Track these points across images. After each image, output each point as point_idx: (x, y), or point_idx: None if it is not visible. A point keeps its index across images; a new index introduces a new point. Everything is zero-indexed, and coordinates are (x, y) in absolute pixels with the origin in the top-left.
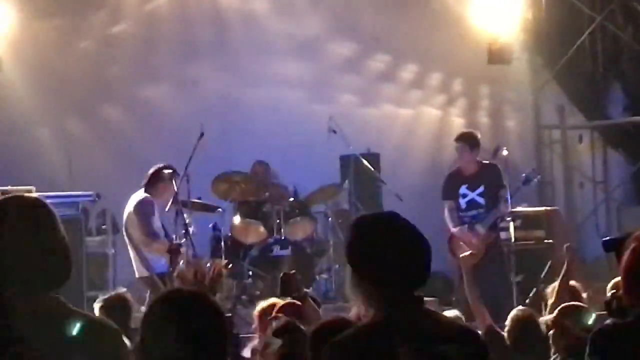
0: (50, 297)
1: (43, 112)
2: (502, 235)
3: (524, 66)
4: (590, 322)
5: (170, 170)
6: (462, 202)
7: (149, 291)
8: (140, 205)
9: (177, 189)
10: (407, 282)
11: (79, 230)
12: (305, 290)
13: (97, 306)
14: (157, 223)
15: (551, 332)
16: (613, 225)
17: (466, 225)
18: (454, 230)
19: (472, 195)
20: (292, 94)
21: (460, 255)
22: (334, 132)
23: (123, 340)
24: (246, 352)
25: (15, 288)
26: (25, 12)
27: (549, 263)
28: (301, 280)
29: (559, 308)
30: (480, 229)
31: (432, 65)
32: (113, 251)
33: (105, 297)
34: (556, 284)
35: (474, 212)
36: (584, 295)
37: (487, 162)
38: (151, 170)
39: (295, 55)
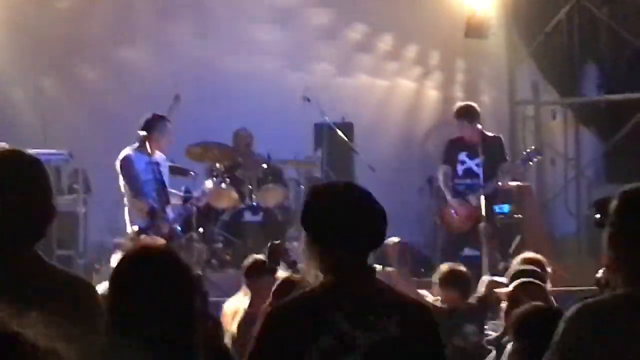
0: (28, 251)
1: (18, 71)
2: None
3: (501, 41)
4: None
5: (160, 119)
6: (460, 168)
7: None
8: (119, 165)
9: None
10: (358, 247)
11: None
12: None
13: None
14: (141, 179)
15: (505, 305)
16: (583, 202)
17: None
18: (450, 200)
19: (470, 163)
20: (269, 62)
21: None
22: (309, 100)
23: (99, 295)
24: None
25: None
26: None
27: (517, 238)
28: (288, 250)
29: (517, 282)
30: (473, 199)
31: (409, 37)
32: (84, 210)
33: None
34: (522, 255)
35: (468, 181)
36: (549, 269)
37: (491, 133)
38: (140, 123)
39: (273, 23)
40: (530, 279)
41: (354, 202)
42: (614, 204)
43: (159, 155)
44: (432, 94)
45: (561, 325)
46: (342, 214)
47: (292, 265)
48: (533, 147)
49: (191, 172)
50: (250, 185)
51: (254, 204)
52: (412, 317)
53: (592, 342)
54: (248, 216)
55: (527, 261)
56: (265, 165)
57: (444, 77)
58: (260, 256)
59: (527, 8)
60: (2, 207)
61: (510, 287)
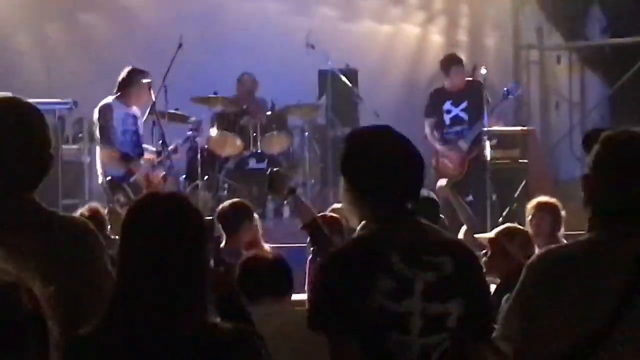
0: (25, 198)
1: (21, 19)
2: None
3: None
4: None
5: (142, 74)
6: (447, 117)
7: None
8: (98, 111)
9: (155, 98)
10: (400, 194)
11: (56, 138)
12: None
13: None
14: (119, 128)
15: (487, 252)
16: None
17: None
18: (439, 147)
19: (456, 110)
20: (272, 6)
21: (437, 187)
22: (312, 47)
23: (96, 235)
24: None
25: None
26: None
27: (522, 183)
28: (288, 177)
29: (501, 228)
30: (464, 144)
31: None
32: (89, 160)
33: (80, 212)
34: (538, 199)
35: (457, 128)
36: (563, 213)
37: (470, 78)
38: (123, 74)
39: None
40: (515, 225)
41: (393, 150)
42: (594, 147)
43: (136, 109)
44: (436, 39)
45: (523, 272)
46: (380, 160)
47: (291, 192)
48: (514, 81)
49: (191, 118)
50: (255, 132)
51: (259, 151)
52: (462, 256)
53: (552, 289)
54: (252, 163)
55: (541, 204)
56: (269, 113)
57: (448, 22)
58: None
59: None
60: None
61: (493, 234)
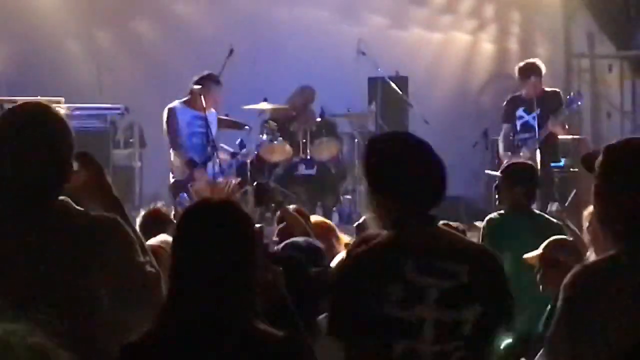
0: (51, 203)
1: (74, 24)
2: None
3: None
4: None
5: (213, 80)
6: (518, 124)
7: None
8: (164, 114)
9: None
10: (421, 200)
11: (107, 143)
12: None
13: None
14: (185, 131)
15: (539, 272)
16: None
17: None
18: (501, 153)
19: (527, 117)
20: (323, 14)
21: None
22: (363, 53)
23: (126, 230)
24: None
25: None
26: None
27: (573, 192)
28: (278, 189)
29: (547, 242)
30: (526, 152)
31: None
32: (140, 164)
33: (144, 212)
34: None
35: (526, 135)
36: None
37: (550, 88)
38: (195, 78)
39: None
40: (560, 236)
41: (413, 153)
42: (599, 158)
43: (208, 112)
44: (487, 47)
45: (561, 294)
46: (401, 165)
47: (279, 205)
48: (577, 91)
49: (246, 127)
50: (304, 138)
51: (308, 157)
52: (481, 264)
53: (596, 303)
54: (302, 169)
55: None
56: (319, 119)
57: (499, 30)
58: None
59: None
60: (19, 159)
61: (541, 250)
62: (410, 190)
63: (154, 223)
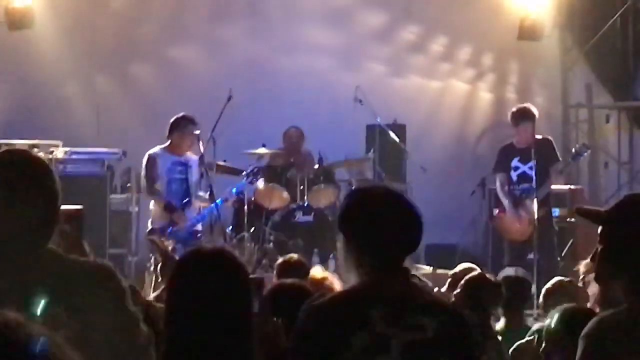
0: (43, 249)
1: (73, 68)
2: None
3: (554, 43)
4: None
5: (188, 121)
6: (514, 174)
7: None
8: (144, 160)
9: (203, 150)
10: (391, 251)
11: (104, 187)
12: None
13: None
14: (165, 178)
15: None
16: None
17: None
18: (505, 204)
19: (523, 168)
20: (321, 62)
21: None
22: (361, 102)
23: (119, 278)
24: None
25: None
26: None
27: (570, 242)
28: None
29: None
30: (532, 205)
31: (463, 39)
32: (137, 209)
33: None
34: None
35: (525, 186)
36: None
37: (541, 136)
38: (171, 121)
39: (326, 23)
40: (561, 279)
41: (388, 206)
42: (615, 211)
43: (190, 157)
44: (485, 96)
45: (580, 343)
46: (376, 217)
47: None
48: (582, 143)
49: (243, 172)
50: (302, 185)
51: (306, 204)
52: (447, 319)
53: (614, 355)
54: (299, 216)
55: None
56: (317, 166)
57: (497, 79)
58: (295, 256)
59: (581, 10)
60: (6, 206)
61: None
62: (382, 242)
63: None
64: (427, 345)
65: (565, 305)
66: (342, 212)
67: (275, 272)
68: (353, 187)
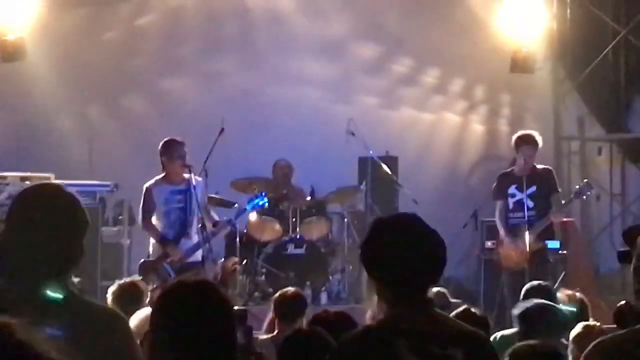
0: (60, 284)
1: (66, 101)
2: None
3: (546, 76)
4: None
5: (172, 146)
6: (510, 202)
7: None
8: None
9: (195, 182)
10: (415, 283)
11: (96, 220)
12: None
13: (109, 292)
14: (162, 209)
15: None
16: None
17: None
18: (502, 234)
19: (520, 195)
20: (314, 94)
21: None
22: (353, 134)
23: (129, 327)
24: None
25: (27, 278)
26: (53, 0)
27: (562, 274)
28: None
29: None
30: (530, 236)
31: (455, 71)
32: (129, 242)
33: (119, 284)
34: (567, 291)
35: (520, 214)
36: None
37: (542, 166)
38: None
39: (319, 55)
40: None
41: (409, 241)
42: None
43: (190, 180)
44: (477, 128)
45: None
46: (399, 251)
47: (246, 335)
48: (585, 181)
49: (235, 205)
50: (294, 217)
51: (298, 236)
52: (475, 348)
53: None
54: (291, 249)
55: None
56: (309, 198)
57: (489, 112)
58: (291, 289)
59: (573, 43)
60: (31, 240)
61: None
62: (406, 275)
63: (129, 297)
64: None
65: None
66: (365, 243)
67: (273, 306)
68: (374, 219)
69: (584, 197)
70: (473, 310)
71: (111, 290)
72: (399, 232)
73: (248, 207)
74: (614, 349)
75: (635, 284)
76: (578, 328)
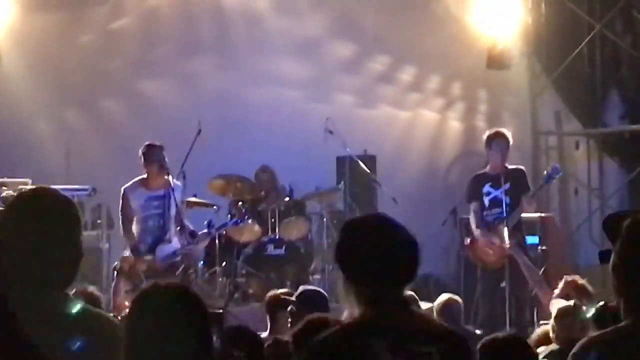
0: (61, 295)
1: (42, 105)
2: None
3: (523, 72)
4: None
5: (147, 148)
6: (486, 200)
7: None
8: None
9: (173, 184)
10: (390, 282)
11: None
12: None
13: None
14: (141, 214)
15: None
16: None
17: (486, 230)
18: (476, 233)
19: (495, 192)
20: (291, 93)
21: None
22: (331, 132)
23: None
24: None
25: (29, 285)
26: (27, 4)
27: (542, 269)
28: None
29: (555, 312)
30: (505, 231)
31: (431, 68)
32: (107, 246)
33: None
34: (562, 301)
35: (497, 210)
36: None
37: (514, 166)
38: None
39: (295, 55)
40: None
41: (383, 237)
42: (621, 236)
43: (170, 184)
44: (454, 125)
45: None
46: (373, 250)
47: (222, 337)
48: (553, 164)
49: (214, 206)
50: (273, 218)
51: (277, 237)
52: (452, 347)
53: None
54: (271, 249)
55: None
56: (287, 198)
57: (466, 108)
58: (279, 291)
59: (549, 38)
60: (26, 247)
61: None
62: (381, 275)
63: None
64: None
65: None
66: (338, 245)
67: (265, 306)
68: (346, 220)
69: (553, 180)
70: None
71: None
72: (369, 232)
73: (229, 224)
74: (603, 346)
75: (614, 282)
76: (558, 306)
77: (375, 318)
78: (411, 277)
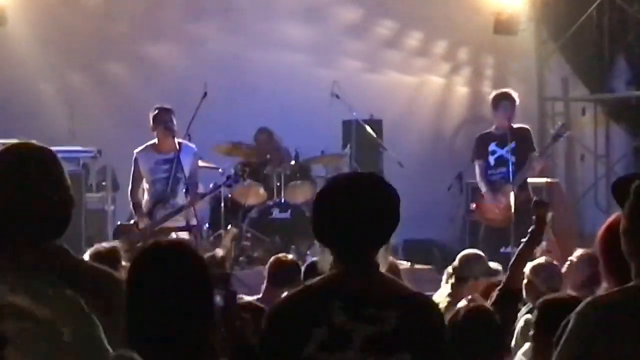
0: (55, 245)
1: (47, 67)
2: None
3: (530, 37)
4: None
5: (157, 111)
6: (491, 159)
7: None
8: None
9: (179, 147)
10: (356, 243)
11: (79, 186)
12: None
13: (87, 255)
14: (150, 178)
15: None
16: (613, 199)
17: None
18: (484, 191)
19: (501, 152)
20: (297, 58)
21: None
22: (337, 96)
23: (121, 285)
24: None
25: (22, 236)
26: None
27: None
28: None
29: (532, 265)
30: (511, 189)
31: (438, 33)
32: (112, 208)
33: (96, 248)
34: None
35: (503, 169)
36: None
37: (519, 125)
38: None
39: (301, 19)
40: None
41: (354, 196)
42: (630, 198)
43: (182, 146)
44: (461, 90)
45: (572, 321)
46: (338, 208)
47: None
48: (561, 124)
49: (219, 169)
50: (278, 182)
51: (282, 200)
52: (410, 310)
53: (600, 336)
54: (276, 213)
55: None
56: (293, 162)
57: (473, 73)
58: (282, 255)
59: (556, 3)
60: (11, 199)
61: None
62: (344, 234)
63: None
64: (388, 338)
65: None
66: (313, 202)
67: (267, 271)
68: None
69: (561, 138)
70: None
71: (88, 253)
72: (336, 192)
73: (223, 185)
74: (610, 305)
75: (623, 244)
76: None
77: (335, 280)
78: (380, 240)
